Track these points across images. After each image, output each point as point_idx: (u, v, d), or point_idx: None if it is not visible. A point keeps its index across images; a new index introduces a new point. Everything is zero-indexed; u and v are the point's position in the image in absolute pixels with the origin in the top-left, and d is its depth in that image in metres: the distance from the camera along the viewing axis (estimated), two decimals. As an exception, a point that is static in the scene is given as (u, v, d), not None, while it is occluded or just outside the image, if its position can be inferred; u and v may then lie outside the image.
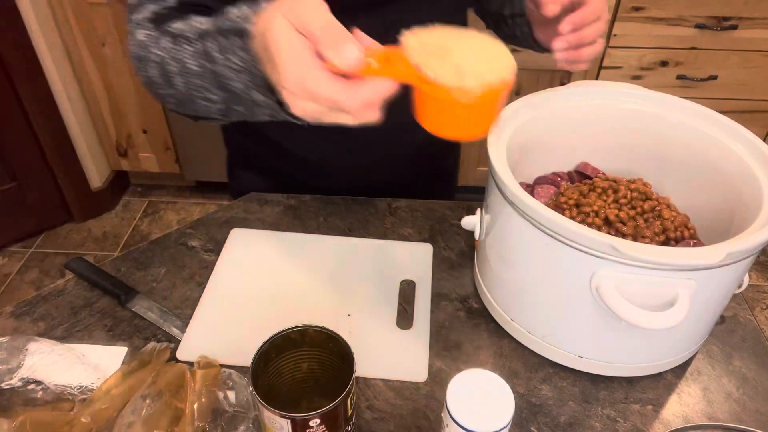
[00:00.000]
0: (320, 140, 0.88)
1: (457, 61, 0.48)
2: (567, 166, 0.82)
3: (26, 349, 0.67)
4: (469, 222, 0.74)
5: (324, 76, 0.46)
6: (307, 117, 0.50)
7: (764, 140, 0.68)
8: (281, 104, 0.54)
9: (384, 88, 0.48)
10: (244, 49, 0.54)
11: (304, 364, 0.59)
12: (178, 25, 0.63)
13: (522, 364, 0.70)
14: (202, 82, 0.61)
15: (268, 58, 0.49)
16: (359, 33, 0.49)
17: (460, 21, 0.86)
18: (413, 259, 0.82)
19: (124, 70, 1.95)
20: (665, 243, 0.69)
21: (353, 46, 0.46)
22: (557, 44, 0.65)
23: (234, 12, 0.56)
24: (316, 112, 0.49)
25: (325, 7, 0.47)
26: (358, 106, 0.47)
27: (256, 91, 0.55)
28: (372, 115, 0.48)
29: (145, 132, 2.10)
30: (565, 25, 0.64)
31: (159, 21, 0.65)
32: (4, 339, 0.69)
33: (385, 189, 0.94)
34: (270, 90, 0.54)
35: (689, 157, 0.75)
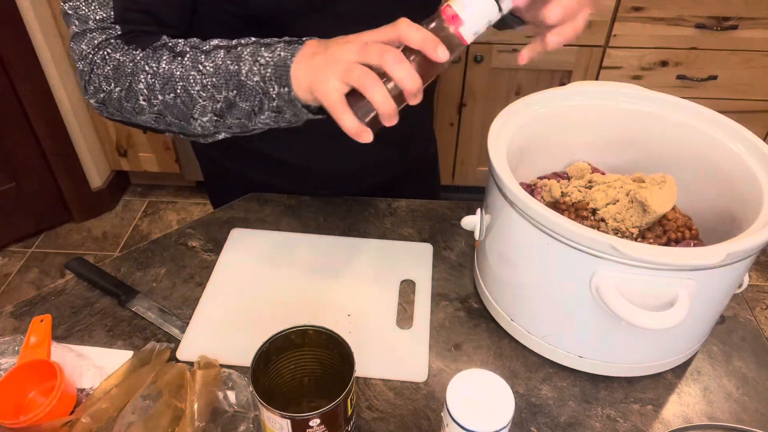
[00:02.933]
0: (305, 145, 0.88)
1: None
2: (567, 166, 0.82)
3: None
4: (469, 222, 0.74)
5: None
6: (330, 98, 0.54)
7: (764, 140, 0.68)
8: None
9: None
10: (286, 50, 0.60)
11: (304, 364, 0.59)
12: (181, 46, 0.66)
13: (522, 364, 0.70)
14: (211, 81, 0.63)
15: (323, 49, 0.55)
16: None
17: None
18: (413, 259, 0.82)
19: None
20: (666, 244, 0.69)
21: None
22: (552, 39, 0.63)
23: (278, 43, 0.62)
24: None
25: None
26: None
27: (274, 83, 0.60)
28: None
29: (145, 132, 2.10)
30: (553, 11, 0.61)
31: (141, 42, 0.68)
32: (4, 339, 0.69)
33: (370, 193, 0.95)
34: (286, 85, 0.60)
35: (689, 157, 0.75)
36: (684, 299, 0.57)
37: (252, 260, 0.82)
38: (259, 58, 0.61)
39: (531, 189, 0.77)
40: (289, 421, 0.51)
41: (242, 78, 0.62)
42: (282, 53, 0.60)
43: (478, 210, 0.74)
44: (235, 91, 0.63)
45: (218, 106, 0.64)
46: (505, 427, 0.50)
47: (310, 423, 0.52)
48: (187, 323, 0.73)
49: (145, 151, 2.15)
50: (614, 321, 0.60)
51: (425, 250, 0.84)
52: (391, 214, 0.90)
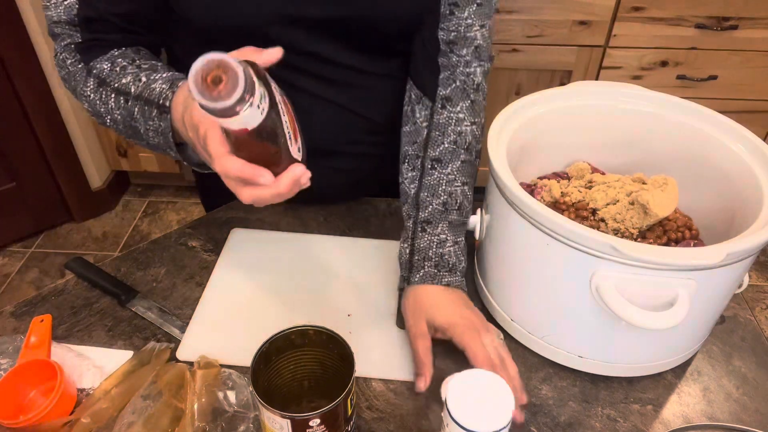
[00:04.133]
0: None
1: None
2: (567, 166, 0.82)
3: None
4: (469, 222, 0.74)
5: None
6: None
7: (764, 140, 0.68)
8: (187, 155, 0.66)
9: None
10: (161, 119, 0.63)
11: (304, 364, 0.59)
12: (105, 73, 0.69)
13: (522, 364, 0.70)
14: (123, 129, 0.69)
15: (193, 130, 0.54)
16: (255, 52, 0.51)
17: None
18: (413, 259, 0.82)
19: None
20: (666, 244, 0.69)
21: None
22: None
23: (157, 87, 0.64)
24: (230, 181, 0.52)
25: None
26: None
27: (169, 150, 0.65)
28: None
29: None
30: None
31: (86, 57, 0.70)
32: (5, 339, 0.69)
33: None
34: (181, 150, 0.65)
35: (689, 157, 0.75)
36: (684, 299, 0.57)
37: (252, 260, 0.82)
38: (148, 122, 0.64)
39: (531, 189, 0.77)
40: (289, 421, 0.51)
41: (143, 136, 0.67)
42: (160, 122, 0.63)
43: (478, 210, 0.74)
44: (145, 143, 0.68)
45: (143, 144, 0.69)
46: (505, 427, 0.50)
47: (310, 423, 0.52)
48: (187, 323, 0.73)
49: (145, 151, 2.15)
50: (614, 321, 0.60)
51: (425, 250, 0.84)
52: (391, 214, 0.90)
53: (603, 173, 0.80)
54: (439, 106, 0.77)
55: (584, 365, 0.68)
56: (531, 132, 0.75)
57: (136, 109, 0.65)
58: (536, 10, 1.69)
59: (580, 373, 0.69)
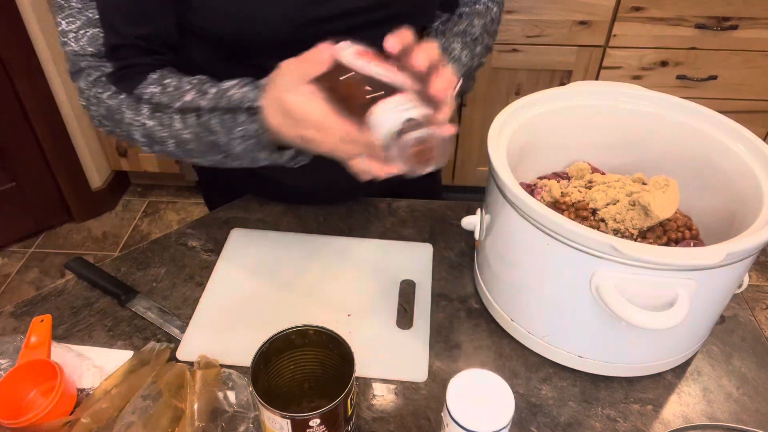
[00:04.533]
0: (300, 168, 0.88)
1: None
2: (567, 166, 0.82)
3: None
4: (469, 222, 0.74)
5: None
6: (340, 156, 0.55)
7: (764, 140, 0.68)
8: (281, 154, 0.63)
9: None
10: (252, 122, 0.60)
11: (304, 364, 0.59)
12: (158, 96, 0.66)
13: (522, 364, 0.70)
14: (195, 146, 0.65)
15: (292, 120, 0.55)
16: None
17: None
18: (413, 259, 0.82)
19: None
20: (666, 244, 0.69)
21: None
22: None
23: (236, 93, 0.61)
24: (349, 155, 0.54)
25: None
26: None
27: (261, 152, 0.62)
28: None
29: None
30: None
31: (125, 86, 0.67)
32: (4, 339, 0.69)
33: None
34: (276, 148, 0.62)
35: (689, 157, 0.75)
36: (684, 299, 0.57)
37: (252, 260, 0.82)
38: (234, 131, 0.61)
39: (531, 189, 0.77)
40: (289, 421, 0.51)
41: (223, 148, 0.63)
42: (251, 125, 0.60)
43: (478, 210, 0.74)
44: (223, 155, 0.64)
45: (214, 160, 0.66)
46: (505, 427, 0.50)
47: (310, 423, 0.52)
48: (187, 323, 0.73)
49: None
50: (614, 321, 0.60)
51: (425, 250, 0.84)
52: (391, 214, 0.90)
53: (603, 173, 0.80)
54: (456, 16, 0.82)
55: (584, 365, 0.68)
56: (531, 132, 0.75)
57: (214, 121, 0.62)
58: (536, 10, 1.69)
59: (580, 373, 0.69)
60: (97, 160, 2.17)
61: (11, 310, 0.75)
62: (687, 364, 0.71)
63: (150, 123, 0.65)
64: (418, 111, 0.50)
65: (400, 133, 0.49)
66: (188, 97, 0.64)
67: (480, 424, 0.49)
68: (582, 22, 1.72)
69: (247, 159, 0.64)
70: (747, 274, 0.67)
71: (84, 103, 0.69)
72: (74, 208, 2.15)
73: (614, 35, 1.74)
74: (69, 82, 2.02)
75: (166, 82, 0.66)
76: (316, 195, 0.91)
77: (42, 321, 0.70)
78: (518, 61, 1.78)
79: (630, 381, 0.68)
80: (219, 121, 0.61)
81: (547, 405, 0.66)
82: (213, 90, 0.63)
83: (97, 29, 0.65)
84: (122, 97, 0.66)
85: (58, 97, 1.95)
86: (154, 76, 0.67)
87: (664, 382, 0.69)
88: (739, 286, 0.67)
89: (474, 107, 1.95)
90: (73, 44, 0.66)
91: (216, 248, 0.84)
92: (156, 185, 2.35)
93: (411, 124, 0.49)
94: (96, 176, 2.17)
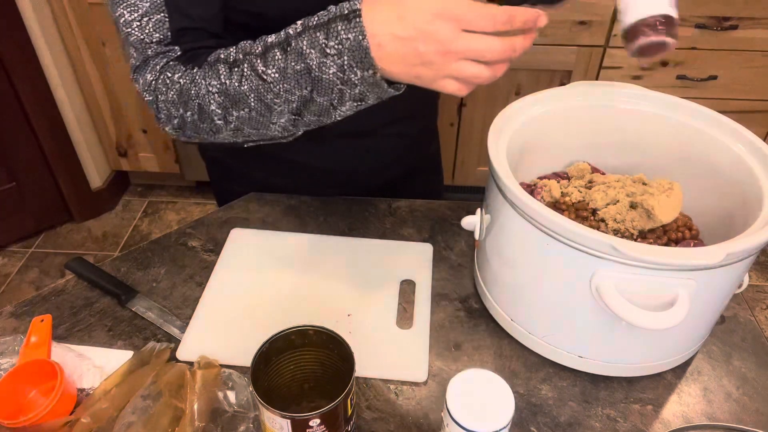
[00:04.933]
0: (318, 146, 0.88)
1: None
2: (567, 166, 0.82)
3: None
4: (469, 222, 0.74)
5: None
6: (433, 73, 0.53)
7: (764, 140, 0.68)
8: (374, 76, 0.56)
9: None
10: (350, 30, 0.54)
11: (304, 364, 0.59)
12: (234, 54, 0.63)
13: (522, 364, 0.70)
14: (279, 89, 0.60)
15: (406, 21, 0.51)
16: None
17: None
18: (413, 259, 0.82)
19: (124, 70, 1.94)
20: (666, 244, 0.69)
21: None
22: None
23: (323, 12, 0.57)
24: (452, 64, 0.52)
25: None
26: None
27: (355, 69, 0.56)
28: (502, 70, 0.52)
29: (145, 132, 2.10)
30: None
31: (198, 63, 0.65)
32: (5, 339, 0.69)
33: (378, 192, 0.95)
34: (373, 64, 0.55)
35: (689, 157, 0.75)
36: (684, 299, 0.57)
37: (252, 260, 0.82)
38: (326, 49, 0.56)
39: (531, 189, 0.77)
40: (289, 421, 0.51)
41: (315, 74, 0.57)
42: (349, 35, 0.54)
43: (478, 210, 0.74)
44: (309, 88, 0.59)
45: (294, 105, 0.61)
46: (505, 427, 0.50)
47: (310, 423, 0.52)
48: (187, 323, 0.73)
49: (145, 151, 2.16)
50: (614, 321, 0.60)
51: (425, 250, 0.84)
52: (391, 214, 0.90)
53: (603, 173, 0.80)
54: None
55: (584, 365, 0.68)
56: (531, 132, 0.75)
57: (305, 42, 0.57)
58: (536, 10, 1.69)
59: (580, 373, 0.69)
60: (97, 160, 2.17)
61: (11, 310, 0.75)
62: (687, 364, 0.71)
63: (228, 81, 0.61)
64: (675, 11, 0.49)
65: (644, 26, 0.50)
66: (270, 39, 0.60)
67: (480, 423, 0.49)
68: (582, 22, 1.72)
69: (336, 91, 0.58)
70: (747, 274, 0.67)
71: (150, 98, 0.66)
72: (74, 208, 2.15)
73: (614, 35, 1.74)
74: (69, 82, 2.03)
75: (239, 45, 0.63)
76: (332, 177, 0.92)
77: (42, 321, 0.70)
78: (518, 61, 1.78)
79: (630, 381, 0.68)
80: (310, 42, 0.57)
81: (547, 405, 0.66)
82: (294, 25, 0.59)
83: (162, 14, 0.64)
84: (195, 71, 0.64)
85: (58, 97, 1.95)
86: (221, 51, 0.65)
87: (664, 382, 0.69)
88: (739, 286, 0.67)
89: (474, 107, 1.95)
90: (137, 33, 0.64)
91: (216, 248, 0.84)
92: (156, 185, 2.35)
93: (659, 19, 0.50)
94: (96, 176, 2.17)
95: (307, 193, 0.93)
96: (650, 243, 0.68)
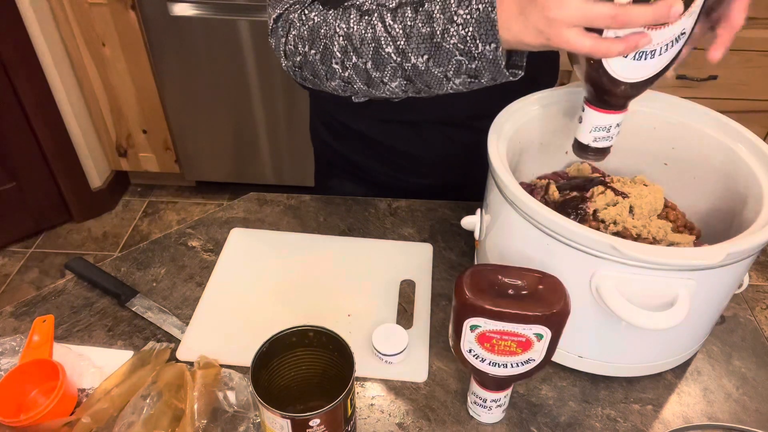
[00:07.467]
0: (416, 132, 0.89)
1: None
2: (567, 166, 0.82)
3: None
4: (469, 222, 0.74)
5: None
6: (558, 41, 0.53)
7: (764, 140, 0.68)
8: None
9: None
10: (479, 1, 0.55)
11: (304, 364, 0.59)
12: (369, 3, 0.64)
13: (522, 364, 0.70)
14: (400, 46, 0.61)
15: None
16: None
17: None
18: (413, 259, 0.82)
19: (124, 70, 1.95)
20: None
21: None
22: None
23: None
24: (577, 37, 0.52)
25: None
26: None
27: (478, 42, 0.56)
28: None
29: (145, 132, 2.10)
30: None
31: (333, 4, 0.66)
32: (5, 339, 0.69)
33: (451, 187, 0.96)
34: (496, 37, 0.56)
35: (689, 157, 0.75)
36: (684, 299, 0.57)
37: (252, 260, 0.82)
38: (455, 17, 0.56)
39: (531, 189, 0.76)
40: (289, 421, 0.51)
41: (437, 40, 0.58)
42: (480, 6, 0.55)
43: (478, 210, 0.74)
44: (427, 56, 0.59)
45: (408, 71, 0.62)
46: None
47: (310, 423, 0.52)
48: (187, 323, 0.73)
49: (145, 151, 2.16)
50: (614, 321, 0.60)
51: (425, 250, 0.84)
52: (391, 214, 0.90)
53: (603, 173, 0.80)
54: None
55: (584, 365, 0.68)
56: (531, 132, 0.75)
57: (437, 8, 0.58)
58: (536, 10, 1.69)
59: (580, 373, 0.69)
60: (97, 160, 2.16)
61: (11, 310, 0.75)
62: (687, 364, 0.71)
63: (356, 27, 0.63)
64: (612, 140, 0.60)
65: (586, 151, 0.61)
66: None
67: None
68: (582, 22, 1.71)
69: (453, 63, 0.59)
70: (747, 274, 0.67)
71: (282, 29, 0.69)
72: (74, 208, 2.15)
73: (614, 35, 1.74)
74: (69, 82, 2.03)
75: None
76: (420, 163, 0.94)
77: (44, 321, 0.70)
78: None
79: (630, 381, 0.68)
80: (441, 7, 0.58)
81: (547, 405, 0.66)
82: None
83: None
84: (330, 11, 0.66)
85: (58, 97, 1.95)
86: None
87: (664, 382, 0.69)
88: (739, 286, 0.67)
89: (474, 107, 1.94)
90: None
91: (216, 248, 0.84)
92: (156, 185, 2.35)
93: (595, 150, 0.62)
94: (96, 176, 2.17)
95: (394, 179, 0.95)
96: (650, 243, 0.68)
